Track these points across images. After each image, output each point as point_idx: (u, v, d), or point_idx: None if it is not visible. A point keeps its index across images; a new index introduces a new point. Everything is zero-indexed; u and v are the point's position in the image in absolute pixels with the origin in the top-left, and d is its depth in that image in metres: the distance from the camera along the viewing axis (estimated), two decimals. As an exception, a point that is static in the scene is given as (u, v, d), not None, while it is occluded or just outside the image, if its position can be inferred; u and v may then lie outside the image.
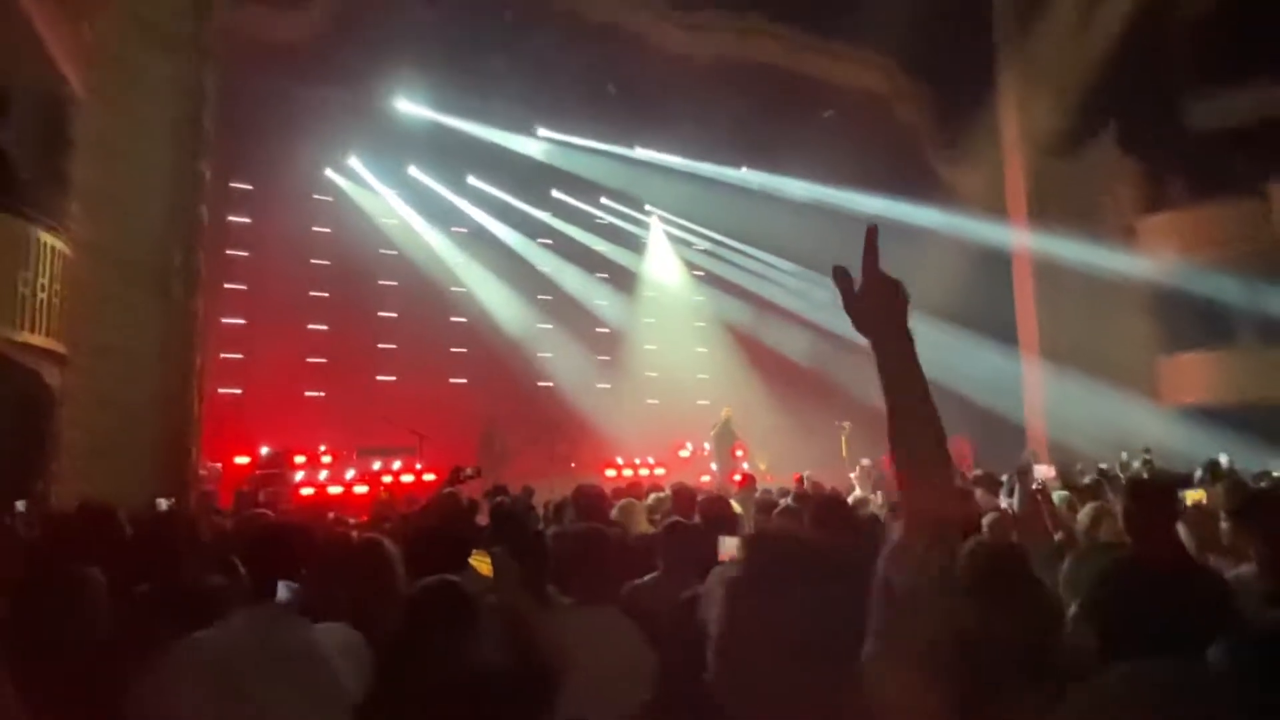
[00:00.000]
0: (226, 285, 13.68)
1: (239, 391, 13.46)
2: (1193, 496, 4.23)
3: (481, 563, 2.94)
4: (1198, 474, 6.46)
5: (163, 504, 5.81)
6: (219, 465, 11.20)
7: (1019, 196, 15.69)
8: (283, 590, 2.67)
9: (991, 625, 2.10)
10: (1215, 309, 14.57)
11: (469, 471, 7.42)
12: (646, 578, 3.55)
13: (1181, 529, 4.10)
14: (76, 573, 2.51)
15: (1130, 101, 14.80)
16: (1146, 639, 1.64)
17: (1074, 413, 13.76)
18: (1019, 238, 15.54)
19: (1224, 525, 3.27)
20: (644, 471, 15.73)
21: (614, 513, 5.55)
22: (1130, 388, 14.28)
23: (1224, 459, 8.52)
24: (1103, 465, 8.69)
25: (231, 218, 13.95)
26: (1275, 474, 8.21)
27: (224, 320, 13.51)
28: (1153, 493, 2.90)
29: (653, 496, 6.11)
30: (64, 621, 2.41)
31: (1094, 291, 14.69)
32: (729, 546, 3.17)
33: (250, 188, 14.30)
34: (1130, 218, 15.77)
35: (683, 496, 5.93)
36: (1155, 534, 2.72)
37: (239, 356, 13.61)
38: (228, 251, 13.72)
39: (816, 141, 15.14)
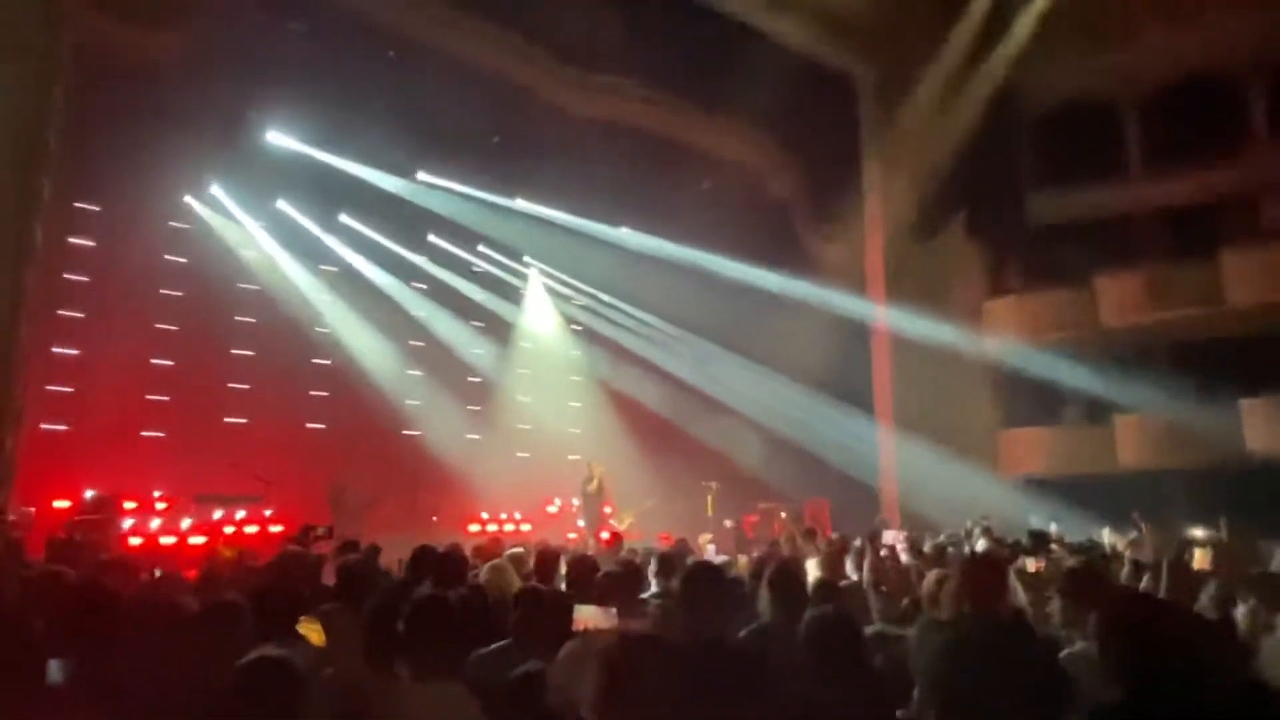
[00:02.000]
0: (60, 312, 12.59)
1: (65, 428, 12.30)
2: (1032, 564, 4.48)
3: (312, 630, 2.73)
4: (1025, 541, 6.88)
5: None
6: (31, 510, 10.11)
7: (878, 273, 16.65)
8: (54, 670, 2.36)
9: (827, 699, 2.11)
10: (1048, 388, 15.82)
11: (320, 530, 7.01)
12: (494, 646, 3.40)
13: (1020, 593, 4.32)
14: None
15: (979, 193, 16.14)
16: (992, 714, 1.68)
17: (924, 479, 14.48)
18: (878, 312, 16.44)
19: (1057, 602, 3.46)
20: (509, 527, 15.39)
21: (483, 574, 5.33)
22: (974, 457, 15.20)
23: (1054, 528, 9.12)
24: (945, 535, 9.13)
25: (74, 240, 12.92)
26: (1100, 541, 8.87)
27: (54, 350, 12.39)
28: (985, 567, 3.05)
29: (508, 553, 5.92)
30: None
31: (944, 366, 15.66)
32: (586, 615, 3.08)
33: (98, 209, 13.30)
34: (977, 300, 16.99)
35: (546, 559, 5.77)
36: (989, 604, 2.84)
37: (69, 390, 12.47)
38: (66, 275, 12.66)
39: (695, 208, 15.65)
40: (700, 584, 3.27)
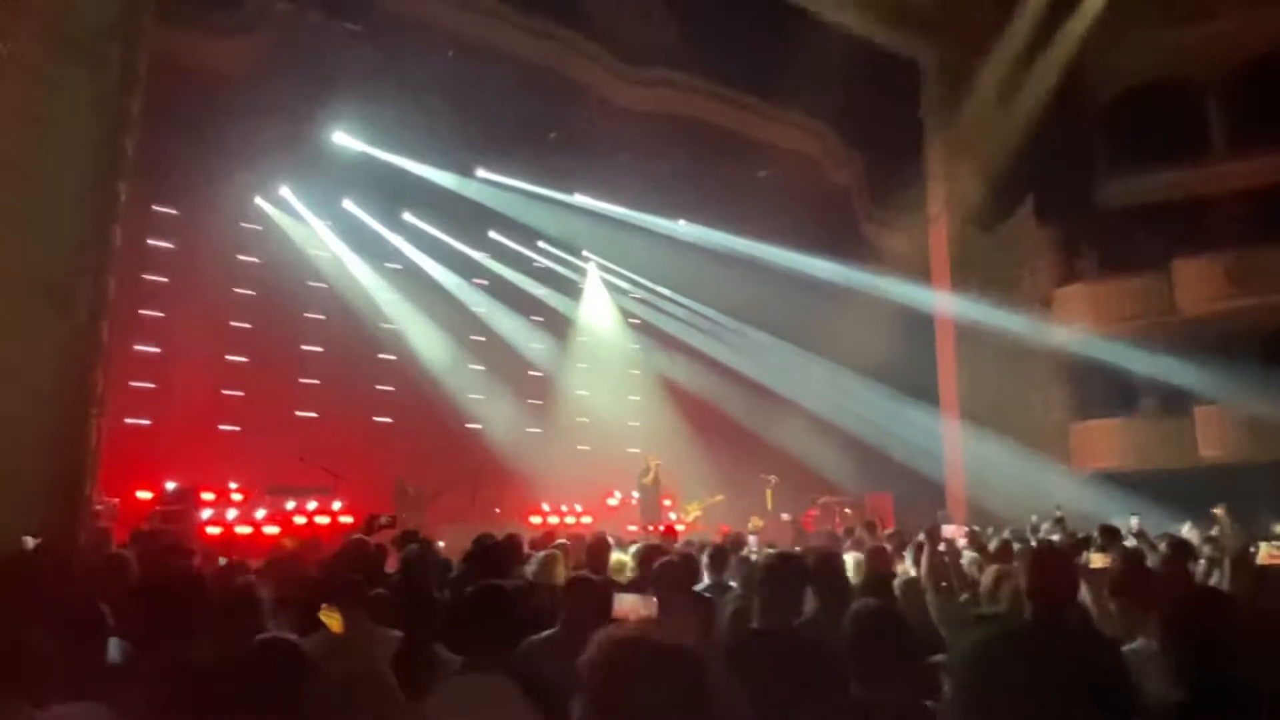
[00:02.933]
0: (141, 311, 13.18)
1: (147, 422, 12.87)
2: (1097, 560, 4.33)
3: (331, 619, 2.81)
4: (1095, 537, 6.65)
5: (29, 542, 5.41)
6: (116, 501, 10.61)
7: (943, 262, 16.26)
8: (114, 650, 2.49)
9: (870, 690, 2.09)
10: (1122, 379, 15.24)
11: (384, 520, 7.19)
12: (544, 634, 3.45)
13: (1084, 589, 4.18)
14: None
15: (1048, 178, 15.58)
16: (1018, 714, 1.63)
17: (991, 473, 14.12)
18: (942, 302, 16.07)
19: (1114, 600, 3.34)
20: (570, 519, 15.53)
21: (532, 566, 5.41)
22: (1044, 451, 14.75)
23: (1134, 521, 8.78)
24: (1009, 530, 8.90)
25: (153, 242, 13.49)
26: (1181, 535, 8.51)
27: (136, 347, 12.96)
28: (1053, 561, 2.95)
29: (556, 543, 6.00)
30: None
31: (1012, 357, 15.23)
32: (625, 603, 3.09)
33: (176, 213, 13.88)
34: (1046, 288, 16.46)
35: (598, 549, 5.83)
36: (1055, 601, 2.75)
37: (150, 386, 13.04)
38: (145, 276, 13.24)
39: (752, 199, 15.51)
40: (775, 575, 3.26)
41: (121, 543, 8.52)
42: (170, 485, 11.74)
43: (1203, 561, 5.48)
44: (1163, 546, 6.44)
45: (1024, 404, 15.43)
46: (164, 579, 3.04)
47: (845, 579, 3.05)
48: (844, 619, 2.23)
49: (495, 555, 4.74)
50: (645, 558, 4.49)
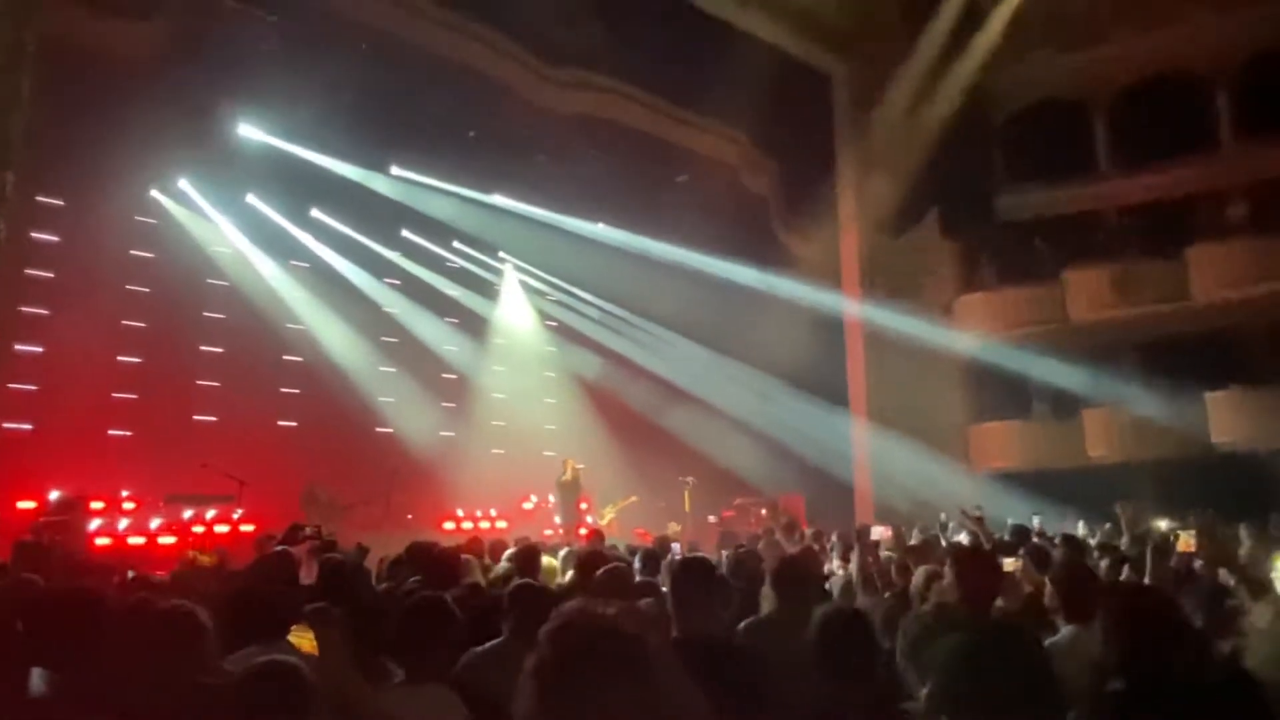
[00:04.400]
0: (23, 308, 12.29)
1: (29, 427, 12.00)
2: (1010, 565, 4.52)
3: (303, 638, 2.68)
4: (1005, 538, 6.97)
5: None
6: (-5, 511, 9.86)
7: (853, 269, 16.80)
8: (37, 680, 2.29)
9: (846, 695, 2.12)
10: (1018, 383, 16.06)
11: (309, 530, 6.90)
12: (489, 645, 3.37)
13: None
14: None
15: (952, 190, 16.32)
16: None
17: (896, 474, 14.64)
18: (852, 307, 16.58)
19: (1053, 597, 3.49)
20: (485, 524, 15.28)
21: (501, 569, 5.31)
22: (946, 452, 15.39)
23: (1036, 521, 9.24)
24: (917, 528, 9.24)
25: (36, 234, 12.59)
26: (1077, 536, 8.99)
27: (17, 347, 12.09)
28: (981, 564, 3.07)
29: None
30: None
31: (917, 361, 15.84)
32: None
33: (63, 204, 12.99)
34: (949, 295, 17.20)
35: (528, 554, 5.75)
36: (986, 602, 2.86)
37: (32, 388, 12.16)
38: (28, 271, 12.34)
39: (671, 203, 15.66)
40: (692, 579, 3.27)
41: (1, 558, 7.93)
42: (55, 494, 10.97)
43: (1104, 556, 5.80)
44: (1061, 545, 6.80)
45: (927, 406, 16.05)
46: (78, 599, 2.82)
47: (809, 583, 3.09)
48: (812, 619, 2.25)
49: (439, 565, 4.60)
50: (586, 564, 4.43)
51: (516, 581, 3.93)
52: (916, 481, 14.16)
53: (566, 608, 1.42)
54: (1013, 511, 11.12)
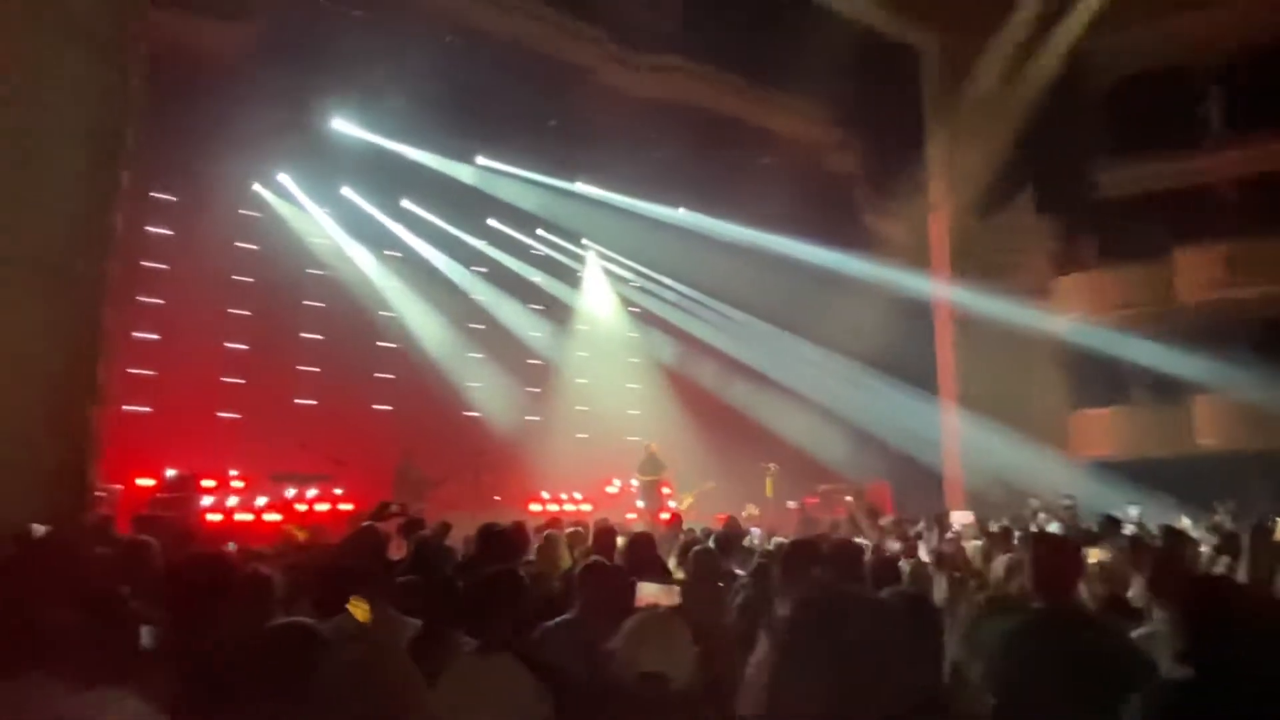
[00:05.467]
0: (141, 299, 13.11)
1: (148, 410, 12.83)
2: (1094, 555, 4.36)
3: (358, 607, 2.85)
4: (1094, 528, 6.69)
5: (38, 530, 5.43)
6: (119, 487, 10.60)
7: (942, 250, 16.28)
8: (146, 636, 2.51)
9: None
10: (1120, 367, 15.29)
11: (395, 507, 7.21)
12: (559, 620, 3.46)
13: (1083, 587, 4.20)
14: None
15: (1048, 166, 15.60)
16: (1052, 703, 1.66)
17: (989, 461, 14.18)
18: (941, 290, 16.08)
19: (1134, 585, 3.36)
20: (570, 506, 15.55)
21: (531, 552, 5.45)
22: (1042, 439, 14.81)
23: (1134, 511, 8.83)
24: (1008, 517, 8.95)
25: (152, 229, 13.41)
26: (1178, 527, 8.56)
27: (136, 335, 12.91)
28: (1057, 551, 2.98)
29: (567, 530, 6.03)
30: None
31: (1010, 345, 15.26)
32: (648, 592, 3.11)
33: (174, 199, 13.80)
34: (1045, 276, 16.49)
35: (604, 535, 5.85)
36: (1061, 590, 2.77)
37: (150, 373, 12.99)
38: (145, 264, 13.16)
39: (753, 187, 15.46)
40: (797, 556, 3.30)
41: (123, 530, 8.55)
42: (170, 472, 11.75)
43: (1206, 549, 5.52)
44: (1159, 536, 6.49)
45: (1022, 391, 15.47)
46: (196, 566, 3.05)
47: (863, 567, 3.07)
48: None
49: (504, 542, 4.75)
50: (685, 545, 4.55)
51: (588, 560, 4.02)
52: (1009, 469, 13.72)
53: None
54: (1113, 501, 10.67)
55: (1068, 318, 15.80)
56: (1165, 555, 3.91)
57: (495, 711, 2.82)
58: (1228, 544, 4.96)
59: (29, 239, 7.68)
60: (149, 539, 4.46)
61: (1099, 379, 15.86)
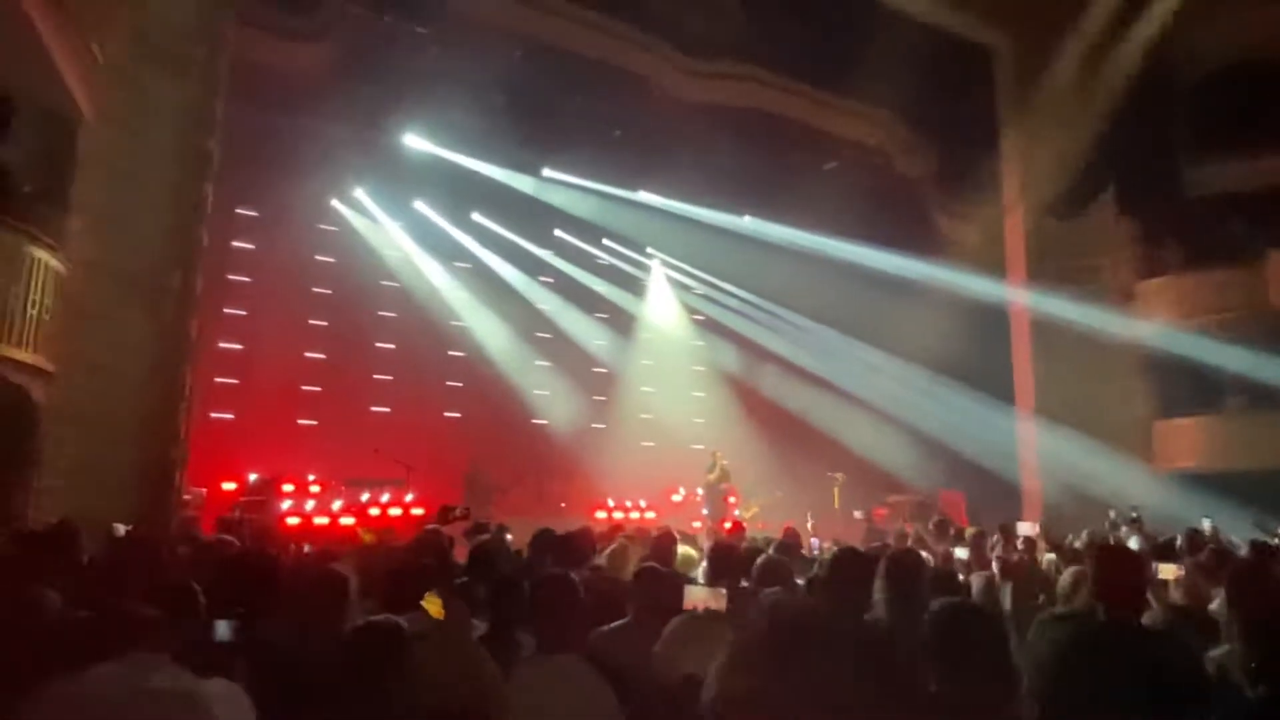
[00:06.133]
0: (226, 310, 13.73)
1: (231, 416, 13.42)
2: (1169, 572, 4.16)
3: (432, 604, 2.92)
4: (1179, 542, 6.38)
5: (120, 529, 5.74)
6: (204, 490, 11.11)
7: (1018, 254, 15.78)
8: (222, 629, 2.63)
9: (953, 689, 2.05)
10: (1208, 375, 14.56)
11: (458, 511, 7.39)
12: (614, 624, 3.49)
13: (1153, 599, 4.01)
14: (27, 594, 2.47)
15: (1129, 165, 14.97)
16: (1101, 716, 1.60)
17: (1068, 472, 13.68)
18: (1017, 295, 15.60)
19: (1215, 600, 3.21)
20: (634, 514, 15.61)
21: (602, 557, 5.50)
22: (1124, 450, 14.20)
23: (1206, 524, 8.43)
24: (1087, 531, 8.60)
25: (235, 243, 14.04)
26: (1267, 541, 8.12)
27: (221, 345, 13.52)
28: (1119, 561, 2.87)
29: (620, 537, 6.07)
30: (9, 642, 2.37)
31: (1090, 352, 14.69)
32: (694, 596, 3.12)
33: (256, 214, 14.43)
34: (1128, 280, 15.83)
35: (664, 542, 5.86)
36: (1123, 602, 2.67)
37: (234, 381, 13.60)
38: (229, 276, 13.79)
39: (819, 192, 15.30)
40: (847, 569, 3.26)
41: (207, 531, 8.94)
42: (253, 476, 12.25)
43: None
44: (1244, 550, 6.18)
45: (1103, 400, 14.85)
46: (248, 562, 3.20)
47: (922, 577, 3.00)
48: (924, 616, 2.19)
49: (568, 547, 4.81)
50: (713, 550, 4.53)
51: (643, 565, 4.04)
52: (1089, 480, 13.19)
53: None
54: (1200, 517, 10.16)
55: (1151, 323, 15.13)
56: (1248, 569, 3.71)
57: (568, 710, 2.87)
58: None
59: (124, 254, 8.15)
60: (231, 538, 4.67)
61: (1185, 387, 15.11)
